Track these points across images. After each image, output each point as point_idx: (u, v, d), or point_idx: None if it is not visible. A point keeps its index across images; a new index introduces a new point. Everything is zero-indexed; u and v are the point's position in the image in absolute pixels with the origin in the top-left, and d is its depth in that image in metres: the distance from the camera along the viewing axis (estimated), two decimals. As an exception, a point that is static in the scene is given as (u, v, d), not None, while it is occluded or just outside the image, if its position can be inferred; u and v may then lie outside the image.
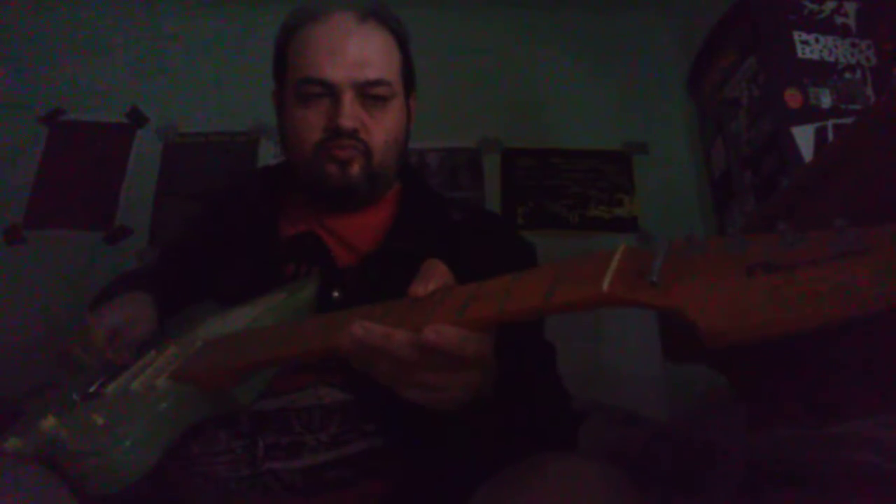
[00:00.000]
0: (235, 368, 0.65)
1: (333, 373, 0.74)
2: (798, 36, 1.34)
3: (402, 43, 0.93)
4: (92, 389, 0.71)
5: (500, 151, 1.97)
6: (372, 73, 0.86)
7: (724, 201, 1.60)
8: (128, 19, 2.03)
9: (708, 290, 0.37)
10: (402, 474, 0.73)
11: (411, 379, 0.51)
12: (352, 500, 0.72)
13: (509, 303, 0.48)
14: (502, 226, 1.11)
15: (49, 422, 0.64)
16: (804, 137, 1.28)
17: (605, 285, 0.42)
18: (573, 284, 0.45)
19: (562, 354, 0.82)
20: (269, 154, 1.91)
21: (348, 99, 0.85)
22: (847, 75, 1.33)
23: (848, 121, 1.28)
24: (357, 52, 0.86)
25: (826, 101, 1.30)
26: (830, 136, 1.28)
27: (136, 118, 1.95)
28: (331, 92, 0.86)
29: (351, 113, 0.85)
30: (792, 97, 1.31)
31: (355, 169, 0.86)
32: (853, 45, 1.35)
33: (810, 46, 1.34)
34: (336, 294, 0.81)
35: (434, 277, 0.56)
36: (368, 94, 0.87)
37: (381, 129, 0.88)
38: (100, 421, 0.64)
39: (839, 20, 1.37)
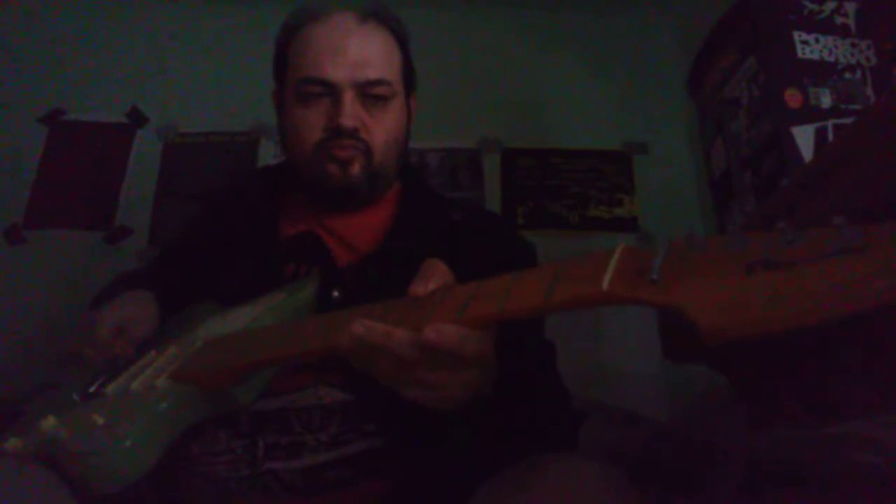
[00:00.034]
0: (235, 368, 0.65)
1: (333, 373, 0.74)
2: (798, 36, 1.34)
3: (403, 43, 0.94)
4: (92, 389, 0.71)
5: (500, 151, 1.97)
6: (372, 73, 0.86)
7: (724, 201, 1.60)
8: (128, 19, 2.03)
9: (708, 287, 0.37)
10: (402, 474, 0.73)
11: (411, 378, 0.51)
12: (352, 500, 0.72)
13: (509, 302, 0.48)
14: (502, 226, 1.11)
15: (49, 422, 0.64)
16: (804, 137, 1.28)
17: (606, 283, 0.42)
18: (573, 283, 0.45)
19: (562, 354, 0.82)
20: (269, 154, 1.91)
21: (349, 99, 0.85)
22: (847, 75, 1.33)
23: (848, 121, 1.28)
24: (357, 51, 0.86)
25: (826, 101, 1.30)
26: (830, 136, 1.28)
27: (136, 118, 1.95)
28: (331, 92, 0.86)
29: (351, 112, 0.85)
30: (792, 97, 1.31)
31: (356, 168, 0.86)
32: (853, 45, 1.35)
33: (810, 46, 1.34)
34: (336, 294, 0.81)
35: (434, 277, 0.56)
36: (369, 93, 0.87)
37: (382, 128, 0.88)
38: (100, 421, 0.63)
39: (839, 20, 1.37)
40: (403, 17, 0.94)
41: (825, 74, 1.32)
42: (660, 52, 2.07)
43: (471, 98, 2.00)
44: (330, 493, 0.71)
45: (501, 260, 0.70)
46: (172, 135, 1.94)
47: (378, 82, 0.87)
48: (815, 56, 1.34)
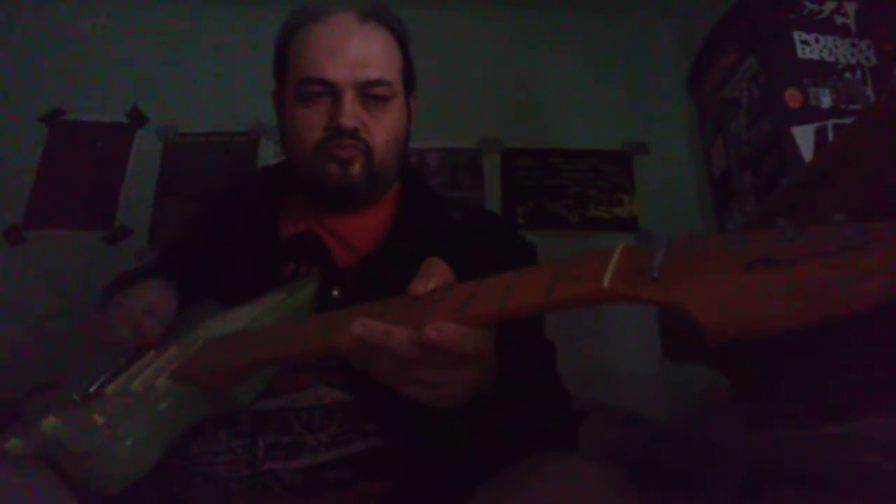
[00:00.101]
0: (235, 368, 0.65)
1: (333, 373, 0.74)
2: (798, 36, 1.34)
3: (403, 43, 0.94)
4: (92, 389, 0.71)
5: (500, 151, 1.97)
6: (373, 73, 0.86)
7: (724, 201, 1.60)
8: (128, 19, 2.03)
9: (709, 285, 0.37)
10: (402, 474, 0.73)
11: (411, 376, 0.51)
12: (352, 500, 0.72)
13: (510, 300, 0.48)
14: (502, 226, 1.11)
15: (49, 422, 0.64)
16: (804, 137, 1.28)
17: (606, 281, 0.42)
18: (574, 281, 0.45)
19: (562, 354, 0.82)
20: (269, 154, 1.91)
21: (349, 98, 0.85)
22: (847, 75, 1.33)
23: (848, 121, 1.28)
24: (358, 51, 0.86)
25: (826, 101, 1.30)
26: (830, 136, 1.28)
27: (136, 118, 1.95)
28: (331, 91, 0.86)
29: (352, 112, 0.85)
30: (792, 97, 1.31)
31: (356, 168, 0.86)
32: (853, 45, 1.35)
33: (810, 46, 1.34)
34: (336, 293, 0.81)
35: (434, 276, 0.56)
36: (369, 93, 0.87)
37: (382, 128, 0.88)
38: (100, 421, 0.63)
39: (839, 20, 1.37)
40: (403, 17, 0.94)
41: (825, 74, 1.32)
42: (660, 52, 2.08)
43: (471, 98, 2.00)
44: (330, 493, 0.71)
45: (501, 260, 0.70)
46: (172, 135, 1.94)
47: (378, 82, 0.87)
48: (815, 56, 1.34)
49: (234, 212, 0.97)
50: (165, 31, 2.03)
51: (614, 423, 1.25)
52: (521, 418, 0.67)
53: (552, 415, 0.74)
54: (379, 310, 0.55)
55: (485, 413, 0.59)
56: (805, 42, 1.34)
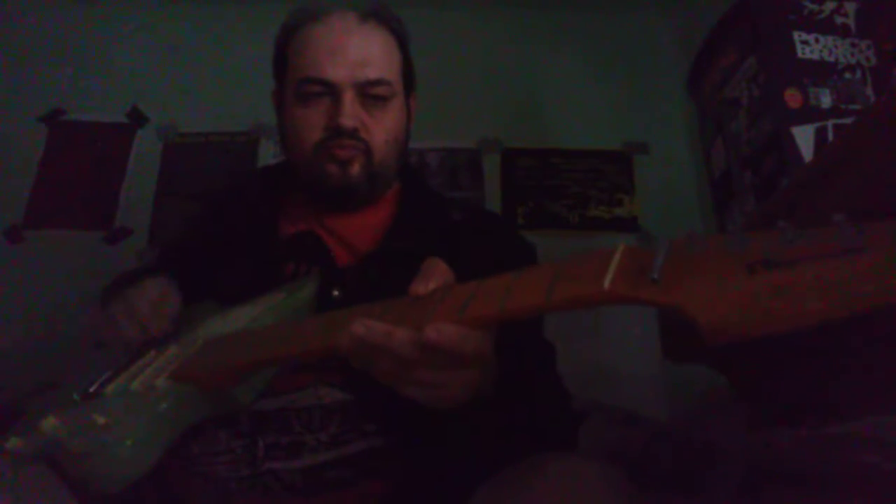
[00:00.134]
0: (235, 368, 0.65)
1: (333, 373, 0.74)
2: (798, 36, 1.34)
3: (403, 43, 0.94)
4: (92, 389, 0.71)
5: (500, 151, 1.97)
6: (372, 73, 0.86)
7: (724, 201, 1.60)
8: (128, 19, 2.03)
9: (709, 287, 0.37)
10: (402, 474, 0.73)
11: (411, 377, 0.51)
12: (352, 500, 0.72)
13: (510, 301, 0.48)
14: (502, 226, 1.11)
15: (49, 422, 0.64)
16: (804, 137, 1.28)
17: (607, 283, 0.42)
18: (574, 282, 0.45)
19: (562, 354, 0.82)
20: (269, 154, 1.91)
21: (349, 98, 0.85)
22: (847, 75, 1.33)
23: (848, 121, 1.28)
24: (357, 51, 0.86)
25: (826, 101, 1.30)
26: (830, 136, 1.28)
27: (136, 118, 1.95)
28: (331, 91, 0.86)
29: (351, 112, 0.85)
30: (792, 97, 1.31)
31: (355, 168, 0.86)
32: (853, 45, 1.35)
33: (810, 46, 1.34)
34: (336, 293, 0.81)
35: (434, 276, 0.56)
36: (369, 93, 0.87)
37: (382, 128, 0.88)
38: (100, 421, 0.63)
39: (839, 20, 1.37)
40: (403, 17, 0.94)
41: (825, 74, 1.32)
42: (660, 52, 2.08)
43: (471, 98, 2.00)
44: (330, 493, 0.71)
45: (501, 260, 0.70)
46: (172, 135, 1.94)
47: (378, 82, 0.87)
48: (815, 56, 1.34)
49: (234, 212, 0.97)
50: (166, 32, 2.03)
51: (614, 423, 1.25)
52: (521, 418, 0.67)
53: (552, 415, 0.74)
54: (379, 310, 0.55)
55: (485, 413, 0.59)
56: (805, 42, 1.34)
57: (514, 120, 2.00)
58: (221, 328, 0.74)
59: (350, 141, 0.86)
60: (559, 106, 2.03)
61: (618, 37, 2.10)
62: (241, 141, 1.94)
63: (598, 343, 1.70)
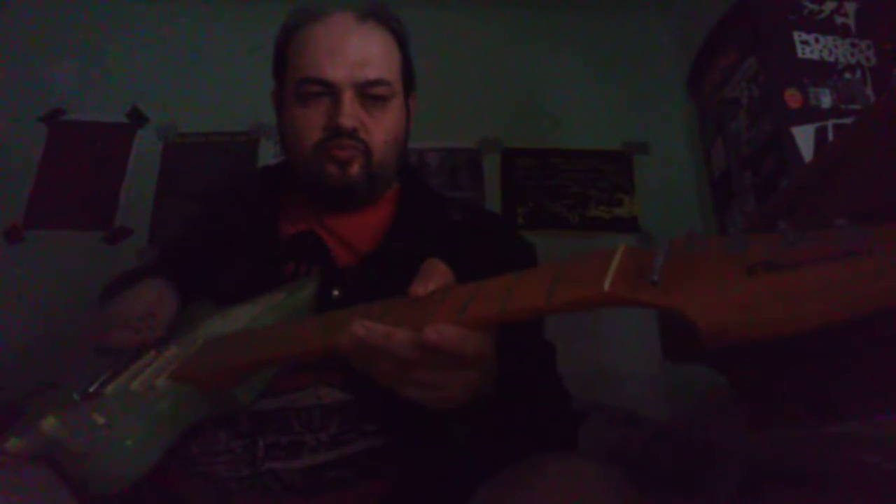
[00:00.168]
0: (235, 368, 0.65)
1: (333, 373, 0.74)
2: (798, 36, 1.34)
3: (402, 43, 0.94)
4: (92, 389, 0.71)
5: (500, 151, 1.97)
6: (372, 73, 0.86)
7: (724, 201, 1.60)
8: (128, 19, 2.03)
9: (709, 289, 0.37)
10: (402, 474, 0.73)
11: (411, 378, 0.51)
12: (352, 500, 0.72)
13: (510, 302, 0.48)
14: (502, 226, 1.11)
15: (49, 422, 0.64)
16: (804, 137, 1.28)
17: (607, 285, 0.42)
18: (574, 284, 0.45)
19: (562, 354, 0.82)
20: (269, 154, 1.91)
21: (348, 98, 0.85)
22: (847, 75, 1.33)
23: (848, 121, 1.28)
24: (357, 51, 0.86)
25: (826, 101, 1.30)
26: (830, 136, 1.28)
27: (136, 118, 1.95)
28: (331, 91, 0.86)
29: (351, 112, 0.85)
30: (792, 97, 1.31)
31: (355, 168, 0.86)
32: (853, 45, 1.35)
33: (810, 46, 1.34)
34: (336, 293, 0.81)
35: (434, 277, 0.55)
36: (368, 93, 0.87)
37: (381, 128, 0.88)
38: (100, 421, 0.63)
39: (839, 20, 1.37)
40: (403, 17, 0.94)
41: (825, 74, 1.32)
42: (660, 52, 2.08)
43: (471, 98, 2.00)
44: (330, 492, 0.71)
45: (501, 260, 0.70)
46: (172, 135, 1.94)
47: (377, 82, 0.87)
48: (815, 56, 1.34)
49: (234, 212, 0.97)
50: (166, 31, 2.03)
51: (614, 423, 1.25)
52: (522, 419, 0.67)
53: (552, 415, 0.74)
54: (379, 311, 0.55)
55: (485, 413, 0.59)
56: (805, 42, 1.34)
57: (514, 120, 2.00)
58: (221, 328, 0.74)
59: (349, 141, 0.86)
60: (559, 106, 2.02)
61: (618, 37, 2.10)
62: (241, 141, 1.94)
63: (598, 343, 1.70)
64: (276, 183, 0.98)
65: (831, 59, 1.34)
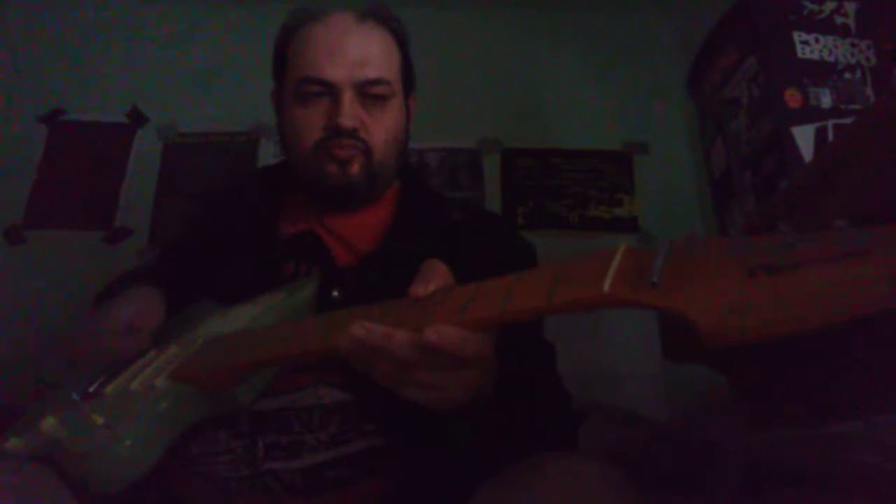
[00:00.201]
0: (235, 368, 0.65)
1: (333, 373, 0.74)
2: (798, 36, 1.34)
3: (402, 42, 0.94)
4: (92, 389, 0.71)
5: (500, 151, 1.97)
6: (371, 73, 0.86)
7: (724, 201, 1.60)
8: (128, 19, 2.03)
9: (709, 290, 0.37)
10: (402, 474, 0.73)
11: (411, 379, 0.51)
12: (352, 499, 0.72)
13: (510, 303, 0.48)
14: (502, 226, 1.11)
15: (49, 422, 0.64)
16: (804, 137, 1.28)
17: (607, 286, 0.42)
18: (574, 285, 0.45)
19: (562, 354, 0.82)
20: (269, 154, 1.91)
21: (348, 98, 0.85)
22: (847, 75, 1.33)
23: (848, 121, 1.28)
24: (357, 51, 0.86)
25: (826, 101, 1.30)
26: (830, 136, 1.28)
27: (136, 118, 1.95)
28: (330, 91, 0.86)
29: (351, 112, 0.85)
30: (792, 97, 1.31)
31: (355, 168, 0.86)
32: (853, 45, 1.35)
33: (810, 46, 1.34)
34: (336, 293, 0.81)
35: (434, 278, 0.55)
36: (368, 93, 0.87)
37: (381, 128, 0.88)
38: (100, 421, 0.63)
39: (839, 20, 1.37)
40: (403, 16, 0.94)
41: (825, 74, 1.32)
42: (660, 52, 2.08)
43: (471, 98, 2.00)
44: (330, 492, 0.71)
45: (501, 260, 0.70)
46: (172, 135, 1.94)
47: (377, 82, 0.87)
48: (815, 56, 1.34)
49: (234, 212, 0.97)
50: (165, 32, 2.03)
51: (614, 423, 1.25)
52: (522, 419, 0.67)
53: (552, 415, 0.74)
54: (378, 312, 0.55)
55: (485, 413, 0.59)
56: (805, 42, 1.34)
57: (514, 120, 2.00)
58: (221, 328, 0.74)
59: (349, 141, 0.86)
60: (559, 106, 2.02)
61: (618, 37, 2.10)
62: (241, 141, 1.94)
63: (598, 343, 1.70)
64: (276, 183, 0.98)
65: (831, 59, 1.34)
